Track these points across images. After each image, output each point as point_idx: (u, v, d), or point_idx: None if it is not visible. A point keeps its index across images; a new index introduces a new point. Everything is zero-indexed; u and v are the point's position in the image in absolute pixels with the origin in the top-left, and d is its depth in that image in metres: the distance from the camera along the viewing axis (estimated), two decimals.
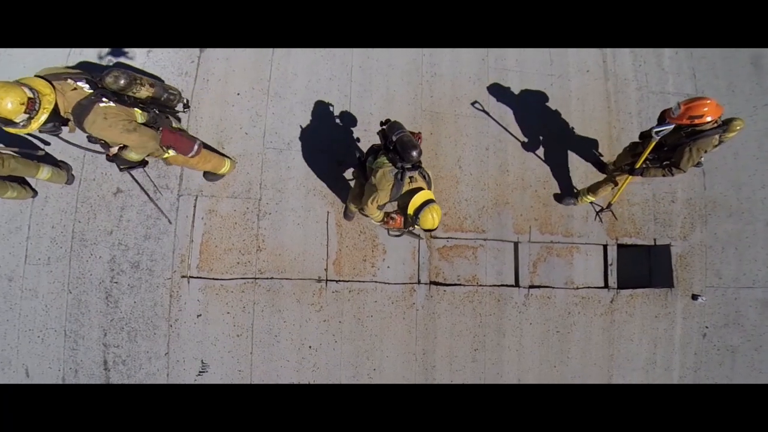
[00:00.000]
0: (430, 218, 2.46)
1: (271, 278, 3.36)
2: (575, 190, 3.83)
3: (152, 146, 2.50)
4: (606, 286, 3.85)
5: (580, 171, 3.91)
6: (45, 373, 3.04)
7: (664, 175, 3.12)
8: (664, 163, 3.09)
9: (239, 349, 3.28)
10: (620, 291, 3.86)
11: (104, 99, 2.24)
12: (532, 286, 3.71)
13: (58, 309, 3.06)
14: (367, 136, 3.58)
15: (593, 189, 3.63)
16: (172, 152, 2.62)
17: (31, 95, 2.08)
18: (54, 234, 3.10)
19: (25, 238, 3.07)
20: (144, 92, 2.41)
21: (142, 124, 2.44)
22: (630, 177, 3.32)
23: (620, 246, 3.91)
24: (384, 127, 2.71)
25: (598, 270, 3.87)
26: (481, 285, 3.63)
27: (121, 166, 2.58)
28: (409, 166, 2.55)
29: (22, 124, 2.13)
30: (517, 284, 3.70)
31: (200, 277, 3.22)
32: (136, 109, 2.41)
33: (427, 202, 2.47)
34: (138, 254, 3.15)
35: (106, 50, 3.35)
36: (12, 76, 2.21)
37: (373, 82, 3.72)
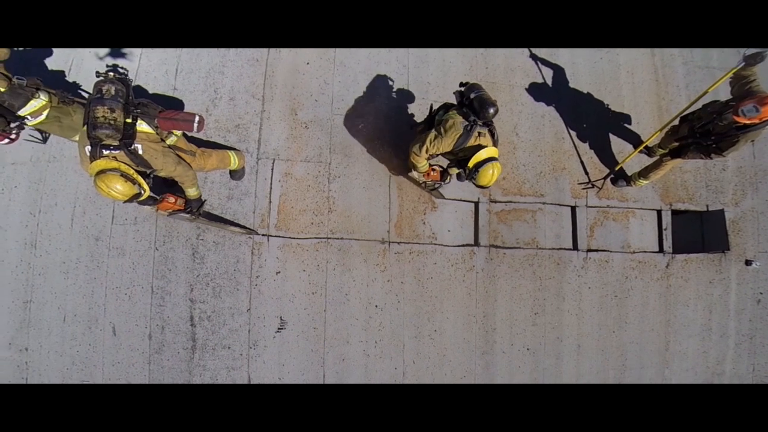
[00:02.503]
0: (490, 174, 2.57)
1: (341, 238, 3.47)
2: (627, 174, 3.90)
3: (192, 172, 2.65)
4: (661, 250, 3.91)
5: (629, 149, 3.99)
6: (132, 330, 3.15)
7: (702, 158, 3.14)
8: (707, 145, 3.04)
9: (314, 306, 3.37)
10: (675, 256, 3.91)
11: (132, 147, 2.29)
12: (590, 250, 3.78)
13: (145, 266, 3.18)
14: (425, 104, 3.71)
15: (644, 173, 3.70)
16: (174, 137, 2.61)
17: (117, 172, 2.25)
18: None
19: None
20: (119, 116, 2.24)
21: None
22: (672, 162, 3.39)
23: (674, 212, 3.97)
24: (462, 88, 2.82)
25: (653, 235, 3.93)
26: (540, 248, 3.71)
27: (196, 209, 2.90)
28: (481, 123, 2.65)
29: (141, 192, 2.38)
30: (575, 248, 3.77)
31: (279, 236, 3.35)
32: (138, 127, 2.34)
33: (491, 159, 2.58)
34: (222, 213, 3.28)
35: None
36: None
37: (430, 53, 3.87)
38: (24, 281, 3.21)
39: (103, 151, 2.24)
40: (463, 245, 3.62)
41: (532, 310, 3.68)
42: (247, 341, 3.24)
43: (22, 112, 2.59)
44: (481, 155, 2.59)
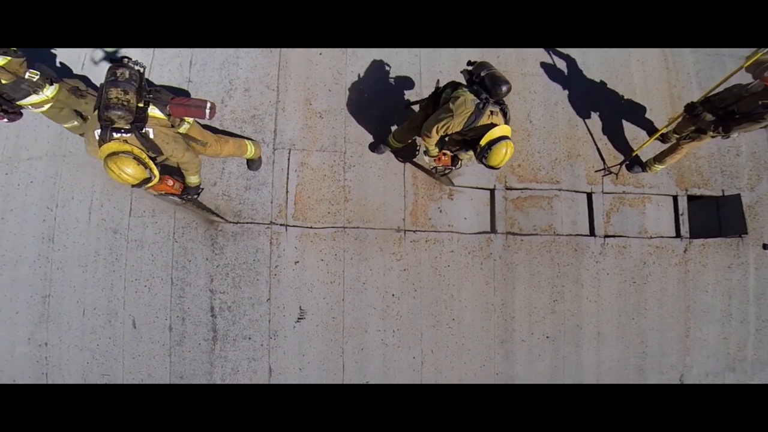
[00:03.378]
0: (503, 152, 2.45)
1: (357, 227, 3.46)
2: (642, 160, 3.88)
3: (198, 161, 2.62)
4: (678, 235, 3.88)
5: (642, 135, 3.98)
6: (152, 323, 3.14)
7: (720, 135, 3.09)
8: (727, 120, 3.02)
9: (332, 295, 3.36)
10: (692, 241, 3.88)
11: (145, 130, 2.27)
12: (607, 236, 3.76)
13: (165, 257, 3.18)
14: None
15: (660, 158, 3.68)
16: (187, 124, 2.59)
17: (130, 155, 2.22)
18: None
19: (129, 192, 3.22)
20: (132, 98, 2.23)
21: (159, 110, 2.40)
22: (688, 146, 3.39)
23: (689, 197, 3.95)
24: (471, 66, 2.70)
25: (670, 220, 3.91)
26: (557, 234, 3.69)
27: (191, 196, 2.83)
28: (493, 101, 2.53)
29: (151, 176, 2.33)
30: (592, 234, 3.75)
31: (296, 226, 3.34)
32: (150, 112, 2.33)
33: (505, 138, 2.47)
34: (240, 204, 3.28)
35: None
36: None
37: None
38: (42, 276, 3.20)
39: (114, 134, 2.21)
40: (479, 233, 3.61)
41: (551, 298, 3.65)
42: (268, 331, 3.22)
43: (20, 103, 2.66)
44: (495, 133, 2.47)
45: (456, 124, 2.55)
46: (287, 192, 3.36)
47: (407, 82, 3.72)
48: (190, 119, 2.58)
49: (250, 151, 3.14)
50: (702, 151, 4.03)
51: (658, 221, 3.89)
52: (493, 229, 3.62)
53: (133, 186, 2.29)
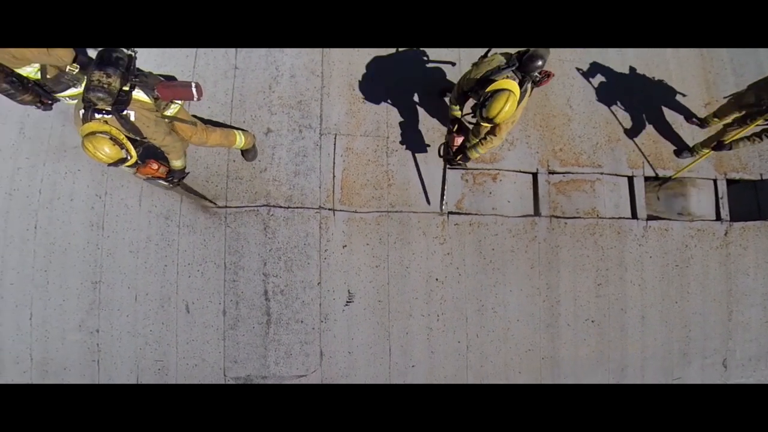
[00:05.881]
0: (503, 102, 2.39)
1: (401, 211, 3.47)
2: (689, 145, 3.90)
3: (180, 145, 2.60)
4: (719, 218, 3.88)
5: (680, 120, 3.98)
6: (205, 307, 3.14)
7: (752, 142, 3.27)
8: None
9: (378, 279, 3.36)
10: (733, 224, 3.88)
11: (124, 112, 2.28)
12: (650, 218, 3.76)
13: (217, 242, 3.18)
14: None
15: (707, 143, 3.68)
16: (175, 107, 2.61)
17: (107, 135, 2.26)
18: (208, 174, 3.26)
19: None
20: (115, 82, 2.23)
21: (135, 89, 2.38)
22: (736, 131, 3.40)
23: (728, 181, 3.95)
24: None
25: (710, 203, 3.91)
26: (600, 217, 3.69)
27: (176, 180, 2.80)
28: (520, 73, 2.49)
29: (127, 157, 2.37)
30: (634, 217, 3.75)
31: (343, 210, 3.35)
32: (134, 94, 2.34)
33: (508, 90, 2.42)
34: (290, 189, 3.29)
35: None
36: None
37: None
38: (92, 262, 3.20)
39: (95, 114, 2.26)
40: (523, 216, 3.61)
41: (595, 281, 3.65)
42: (319, 314, 3.22)
43: (58, 95, 2.71)
44: (501, 84, 2.45)
45: (475, 73, 2.62)
46: (334, 177, 3.37)
47: (447, 68, 3.74)
48: (179, 101, 2.63)
49: (240, 141, 3.10)
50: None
51: (699, 204, 3.88)
52: (536, 213, 3.63)
53: (108, 165, 2.34)
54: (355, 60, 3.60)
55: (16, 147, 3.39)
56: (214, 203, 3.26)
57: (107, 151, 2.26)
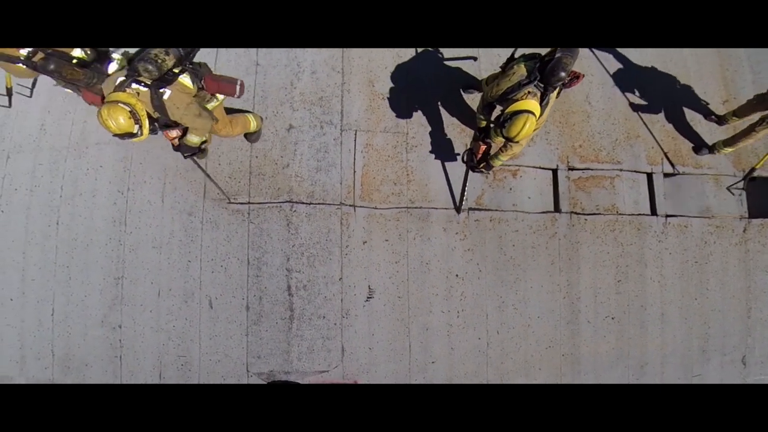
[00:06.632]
0: (521, 124, 2.41)
1: (420, 207, 3.47)
2: (708, 143, 3.87)
3: (209, 127, 2.61)
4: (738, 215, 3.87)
5: (698, 118, 3.97)
6: (229, 302, 3.15)
7: None
8: None
9: (398, 275, 3.36)
10: (751, 220, 3.87)
11: (161, 89, 2.32)
12: (669, 215, 3.75)
13: (240, 238, 3.20)
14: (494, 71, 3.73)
15: (731, 142, 3.65)
16: (215, 102, 2.65)
17: (128, 108, 2.24)
18: (231, 170, 3.28)
19: (203, 176, 3.25)
20: (170, 62, 2.38)
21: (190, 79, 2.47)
22: (764, 131, 3.32)
23: (747, 178, 3.93)
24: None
25: (729, 200, 3.89)
26: (620, 214, 3.69)
27: (186, 154, 2.74)
28: (541, 85, 2.49)
29: (138, 133, 2.34)
30: (654, 213, 3.74)
31: (363, 207, 3.36)
32: (180, 78, 2.41)
33: (528, 112, 2.43)
34: (312, 185, 3.31)
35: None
36: None
37: None
38: (115, 258, 3.22)
39: (133, 84, 2.28)
40: (544, 212, 3.60)
41: (615, 278, 3.64)
42: (340, 310, 3.23)
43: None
44: (521, 105, 2.46)
45: (499, 86, 2.59)
46: (354, 173, 3.38)
47: (466, 64, 3.74)
48: (220, 97, 2.68)
49: (253, 124, 3.15)
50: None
51: (718, 200, 3.87)
52: (557, 209, 3.62)
53: (113, 135, 2.31)
54: (375, 56, 3.60)
55: (37, 143, 3.41)
56: (226, 196, 3.23)
57: (121, 121, 2.22)
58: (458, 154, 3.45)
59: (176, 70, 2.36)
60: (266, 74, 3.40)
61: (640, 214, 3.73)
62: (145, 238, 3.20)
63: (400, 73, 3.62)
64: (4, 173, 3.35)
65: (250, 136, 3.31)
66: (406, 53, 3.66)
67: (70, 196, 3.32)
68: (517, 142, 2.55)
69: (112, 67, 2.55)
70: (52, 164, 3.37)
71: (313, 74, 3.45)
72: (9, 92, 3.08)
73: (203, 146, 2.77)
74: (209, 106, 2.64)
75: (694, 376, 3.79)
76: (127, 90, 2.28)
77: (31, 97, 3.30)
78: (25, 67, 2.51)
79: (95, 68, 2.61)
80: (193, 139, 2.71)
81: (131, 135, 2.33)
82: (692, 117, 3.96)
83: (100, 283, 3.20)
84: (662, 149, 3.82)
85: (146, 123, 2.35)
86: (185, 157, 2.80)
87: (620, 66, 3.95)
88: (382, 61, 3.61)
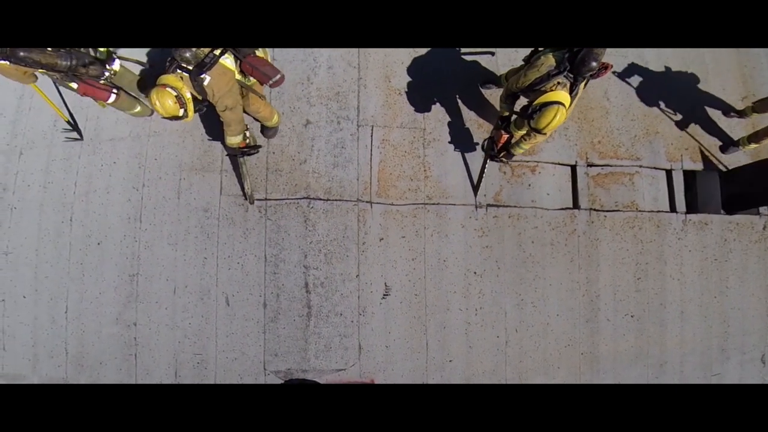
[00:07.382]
0: (552, 115, 2.37)
1: (438, 204, 3.43)
2: (734, 139, 3.82)
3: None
4: (757, 212, 3.82)
5: (717, 114, 3.92)
6: (246, 300, 3.11)
7: None
8: None
9: (415, 273, 3.32)
10: None
11: (202, 75, 2.38)
12: (688, 212, 3.70)
13: (258, 235, 3.15)
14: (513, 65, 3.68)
15: (755, 138, 3.60)
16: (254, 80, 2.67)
17: (174, 92, 2.34)
18: (247, 167, 3.22)
19: (218, 171, 3.21)
20: (205, 49, 2.40)
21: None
22: None
23: None
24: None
25: None
26: (640, 210, 3.64)
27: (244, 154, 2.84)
28: (571, 75, 2.42)
29: (183, 116, 2.43)
30: (673, 210, 3.69)
31: (380, 203, 3.31)
32: (222, 59, 2.42)
33: (558, 103, 2.38)
34: (329, 181, 3.27)
35: None
36: None
37: None
38: (129, 255, 3.18)
39: (176, 69, 2.40)
40: (563, 209, 3.56)
41: (635, 276, 3.59)
42: (357, 307, 3.18)
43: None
44: (551, 96, 2.40)
45: (527, 78, 2.53)
46: (371, 169, 3.33)
47: (484, 59, 3.69)
48: (254, 78, 2.69)
49: (276, 119, 3.16)
50: None
51: None
52: (576, 205, 3.57)
53: (163, 117, 2.42)
54: (392, 51, 3.56)
55: (50, 139, 3.37)
56: (247, 198, 3.21)
57: (168, 105, 2.34)
58: (477, 145, 3.39)
59: (216, 53, 2.40)
60: (282, 69, 3.27)
61: (659, 211, 3.68)
62: (160, 234, 3.16)
63: (416, 68, 3.57)
64: (17, 169, 3.31)
65: (267, 131, 3.27)
66: (423, 48, 3.62)
67: (84, 193, 3.28)
68: (546, 133, 2.49)
69: (116, 65, 2.73)
70: (65, 160, 3.33)
71: (330, 69, 3.41)
72: (71, 124, 3.21)
73: (248, 140, 2.86)
74: (249, 82, 2.70)
75: (714, 374, 3.74)
76: (173, 74, 2.41)
77: (82, 139, 3.32)
78: (8, 63, 2.37)
79: (72, 51, 2.51)
80: (231, 139, 2.76)
81: (177, 117, 2.43)
82: (712, 113, 3.91)
83: (115, 280, 3.16)
84: (682, 146, 3.77)
85: (191, 106, 2.43)
86: (240, 157, 2.86)
87: (638, 62, 3.90)
88: (399, 56, 3.57)
